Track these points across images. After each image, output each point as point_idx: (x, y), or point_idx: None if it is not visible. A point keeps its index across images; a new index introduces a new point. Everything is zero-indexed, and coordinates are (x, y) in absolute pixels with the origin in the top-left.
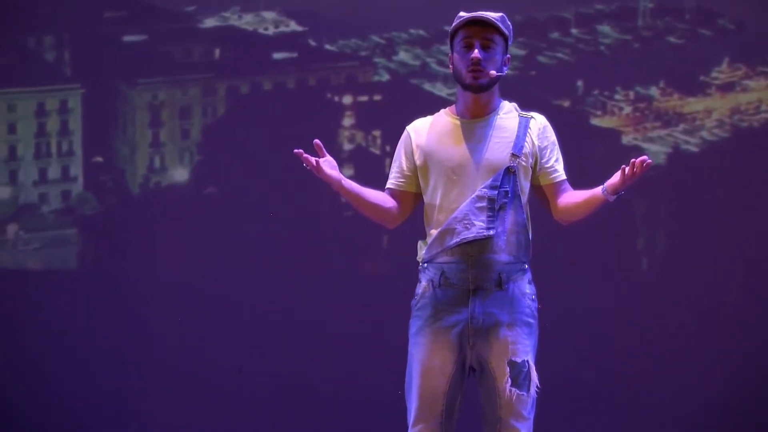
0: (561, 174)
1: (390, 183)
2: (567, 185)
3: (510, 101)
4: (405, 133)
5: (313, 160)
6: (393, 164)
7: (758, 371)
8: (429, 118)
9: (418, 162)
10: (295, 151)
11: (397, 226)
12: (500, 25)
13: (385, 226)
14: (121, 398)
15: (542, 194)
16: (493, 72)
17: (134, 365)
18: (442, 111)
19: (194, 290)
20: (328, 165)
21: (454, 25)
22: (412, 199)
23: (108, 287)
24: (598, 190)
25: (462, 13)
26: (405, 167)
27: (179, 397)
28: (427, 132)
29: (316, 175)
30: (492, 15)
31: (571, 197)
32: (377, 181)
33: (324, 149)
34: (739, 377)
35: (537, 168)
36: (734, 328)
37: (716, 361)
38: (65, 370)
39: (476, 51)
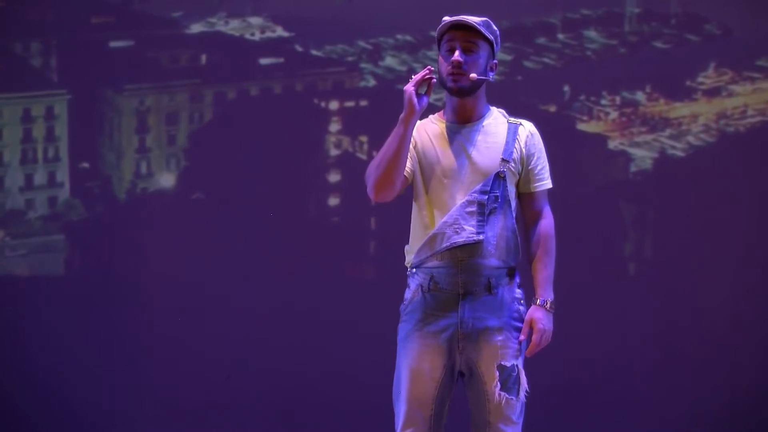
0: (546, 183)
1: None
2: (546, 202)
3: (498, 108)
4: None
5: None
6: None
7: (748, 373)
8: (419, 123)
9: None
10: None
11: (381, 200)
12: (482, 29)
13: (380, 191)
14: (110, 403)
15: (523, 201)
16: (473, 75)
17: (123, 371)
18: (431, 116)
19: (182, 296)
20: (421, 100)
21: (438, 30)
22: (403, 186)
23: (95, 293)
24: (537, 284)
25: (446, 18)
26: (413, 158)
27: (169, 401)
28: (420, 135)
29: (410, 88)
30: (474, 19)
31: (536, 250)
32: (364, 187)
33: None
34: (729, 380)
35: (523, 174)
36: (724, 332)
37: (706, 364)
38: (53, 376)
39: (457, 54)
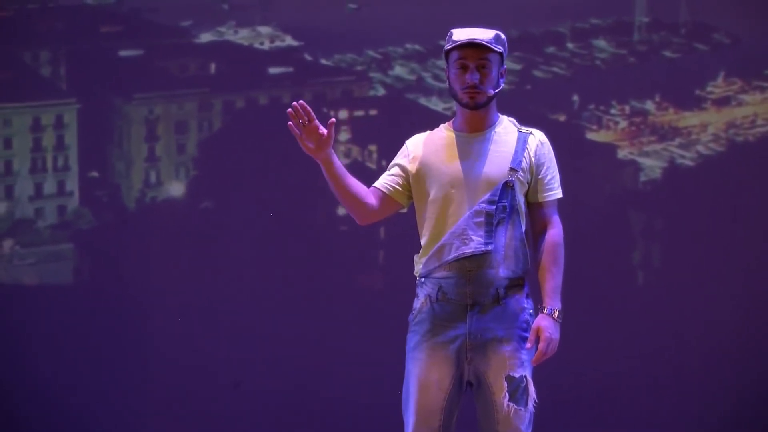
0: (555, 193)
1: (379, 183)
2: (555, 213)
3: (509, 117)
4: (404, 147)
5: (299, 128)
6: (388, 169)
7: (755, 382)
8: (428, 133)
9: (412, 175)
10: (289, 110)
11: (367, 224)
12: (493, 45)
13: (356, 220)
14: (118, 411)
15: (532, 210)
16: (490, 91)
17: (131, 380)
18: (442, 126)
19: (190, 304)
20: (319, 138)
21: (447, 46)
22: (392, 207)
23: (103, 302)
24: (545, 293)
25: (454, 32)
26: (399, 174)
27: (176, 409)
28: (426, 146)
29: (301, 143)
30: (485, 37)
31: (545, 259)
32: None
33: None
34: (736, 388)
35: (532, 184)
36: (732, 340)
37: (715, 372)
38: (61, 384)
39: (472, 74)
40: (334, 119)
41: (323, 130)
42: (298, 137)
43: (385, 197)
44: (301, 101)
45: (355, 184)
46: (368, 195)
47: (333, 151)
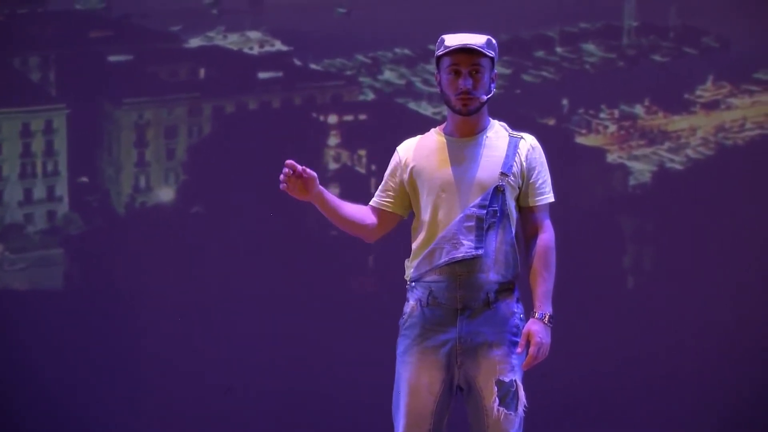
0: (546, 197)
1: (374, 200)
2: (547, 218)
3: (500, 121)
4: (395, 153)
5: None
6: (382, 182)
7: (757, 381)
8: (418, 138)
9: (406, 181)
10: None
11: (374, 241)
12: (486, 51)
13: (363, 240)
14: (109, 414)
15: (523, 214)
16: (483, 96)
17: (121, 384)
18: (432, 130)
19: (181, 310)
20: (303, 182)
21: (439, 51)
22: (393, 220)
23: (94, 307)
24: (536, 298)
25: (446, 38)
26: (391, 188)
27: (168, 414)
28: (417, 151)
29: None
30: (477, 42)
31: (536, 264)
32: (363, 201)
33: (301, 169)
34: (739, 388)
35: (523, 188)
36: (723, 344)
37: (706, 375)
38: (53, 388)
39: (465, 80)
40: (305, 167)
41: (305, 175)
42: (287, 189)
43: (382, 213)
44: (288, 161)
45: (351, 211)
46: (367, 216)
47: (322, 188)
